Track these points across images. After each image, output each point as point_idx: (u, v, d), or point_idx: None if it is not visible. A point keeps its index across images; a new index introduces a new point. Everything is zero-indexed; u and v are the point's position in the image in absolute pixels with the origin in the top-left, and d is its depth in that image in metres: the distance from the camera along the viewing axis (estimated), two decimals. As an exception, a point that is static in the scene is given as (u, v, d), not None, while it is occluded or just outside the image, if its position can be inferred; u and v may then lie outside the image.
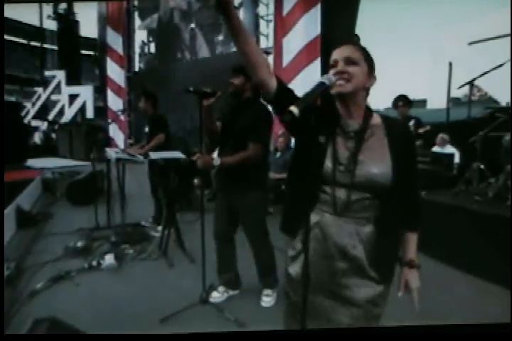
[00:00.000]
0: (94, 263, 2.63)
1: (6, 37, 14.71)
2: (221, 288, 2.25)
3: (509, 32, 4.28)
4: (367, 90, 1.03)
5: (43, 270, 2.52)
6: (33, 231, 3.41)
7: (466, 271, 2.60)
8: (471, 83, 3.50)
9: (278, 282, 2.21)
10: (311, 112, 0.93)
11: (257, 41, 6.44)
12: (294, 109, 0.86)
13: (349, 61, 0.97)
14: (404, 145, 1.02)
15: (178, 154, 2.90)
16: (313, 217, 1.02)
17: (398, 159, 0.98)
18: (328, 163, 0.99)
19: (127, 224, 3.44)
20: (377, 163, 0.97)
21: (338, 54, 1.00)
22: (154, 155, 2.91)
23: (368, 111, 1.04)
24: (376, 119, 1.04)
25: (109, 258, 2.66)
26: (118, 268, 2.66)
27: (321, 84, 0.93)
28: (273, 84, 1.00)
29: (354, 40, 1.17)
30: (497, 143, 3.27)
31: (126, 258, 2.83)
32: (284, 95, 1.01)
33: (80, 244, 2.92)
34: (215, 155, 2.20)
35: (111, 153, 3.21)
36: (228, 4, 0.87)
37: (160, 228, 3.23)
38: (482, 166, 3.25)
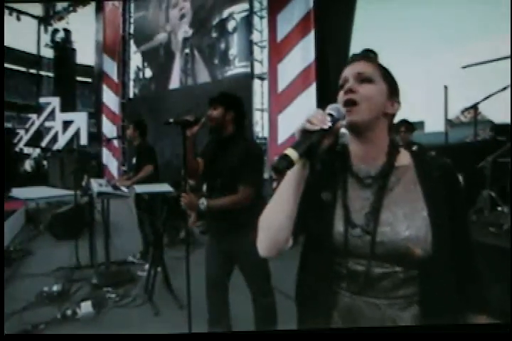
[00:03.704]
0: (69, 312, 2.32)
1: (5, 65, 14.89)
2: (211, 344, 1.96)
3: (501, 56, 4.26)
4: (389, 118, 0.77)
5: (7, 323, 2.21)
6: (6, 273, 3.09)
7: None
8: (474, 107, 3.38)
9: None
10: (316, 155, 0.69)
11: (252, 67, 6.40)
12: (291, 152, 0.63)
13: (361, 78, 0.74)
14: (448, 193, 0.73)
15: (165, 187, 2.67)
16: (332, 298, 0.76)
17: (439, 215, 0.70)
18: (339, 226, 0.73)
19: (112, 262, 3.15)
20: (407, 222, 0.69)
21: (348, 71, 0.77)
22: (140, 189, 2.68)
23: (393, 148, 0.77)
24: (404, 158, 0.77)
25: (86, 306, 2.36)
26: (96, 317, 2.36)
27: (329, 116, 0.69)
28: (288, 245, 0.77)
29: (368, 55, 0.87)
30: (506, 169, 3.09)
31: (107, 305, 2.52)
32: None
33: (56, 288, 2.62)
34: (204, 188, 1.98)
35: (94, 185, 2.99)
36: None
37: (147, 267, 2.96)
38: (493, 194, 3.05)
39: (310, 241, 0.78)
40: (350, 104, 0.72)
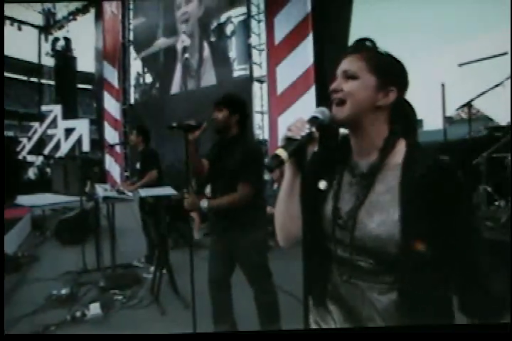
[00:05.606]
0: (78, 314, 2.38)
1: (6, 74, 15.05)
2: None
3: (497, 53, 4.30)
4: (385, 111, 0.74)
5: (17, 326, 2.27)
6: (15, 278, 3.16)
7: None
8: (468, 104, 3.43)
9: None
10: (306, 154, 0.77)
11: (251, 70, 6.48)
12: (281, 152, 0.71)
13: (347, 76, 0.74)
14: (432, 191, 0.67)
15: (169, 190, 2.73)
16: (326, 274, 0.82)
17: (415, 214, 0.67)
18: (329, 215, 0.79)
19: (118, 265, 3.21)
20: (377, 223, 0.70)
21: (338, 70, 0.77)
22: (144, 193, 2.74)
23: (389, 143, 0.74)
24: (399, 155, 0.73)
25: (95, 308, 2.42)
26: (104, 318, 2.41)
27: (313, 118, 0.75)
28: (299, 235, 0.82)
29: (358, 48, 0.77)
30: (501, 165, 3.13)
31: (115, 306, 2.58)
32: None
33: (64, 291, 2.67)
34: (208, 189, 2.05)
35: (99, 190, 3.05)
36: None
37: (153, 269, 3.01)
38: (489, 189, 3.10)
39: (306, 225, 0.82)
40: (339, 103, 0.74)
